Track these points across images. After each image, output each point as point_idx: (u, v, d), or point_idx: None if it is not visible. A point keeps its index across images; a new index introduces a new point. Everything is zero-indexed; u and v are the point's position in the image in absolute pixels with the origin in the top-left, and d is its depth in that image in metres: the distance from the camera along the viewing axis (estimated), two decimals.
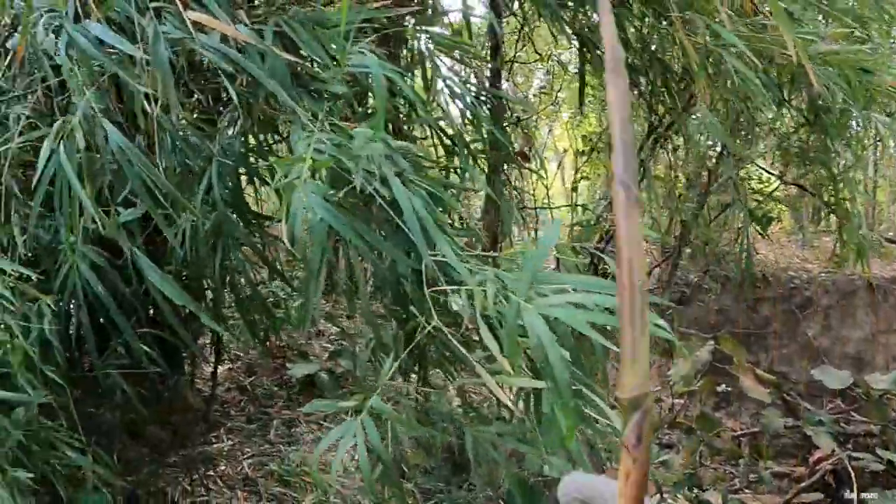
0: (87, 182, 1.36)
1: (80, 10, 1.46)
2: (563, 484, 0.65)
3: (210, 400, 3.33)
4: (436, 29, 2.09)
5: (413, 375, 1.54)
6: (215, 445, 3.01)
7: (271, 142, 1.92)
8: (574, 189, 6.69)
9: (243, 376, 3.92)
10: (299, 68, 1.56)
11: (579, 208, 5.19)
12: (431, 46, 1.95)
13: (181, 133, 1.55)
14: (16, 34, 1.78)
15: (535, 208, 5.11)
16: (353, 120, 1.59)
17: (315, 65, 1.63)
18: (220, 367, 3.40)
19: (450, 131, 1.95)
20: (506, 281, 1.14)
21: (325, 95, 1.57)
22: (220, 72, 1.46)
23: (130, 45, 1.43)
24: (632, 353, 0.44)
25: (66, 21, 1.44)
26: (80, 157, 1.34)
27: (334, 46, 1.60)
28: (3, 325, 1.36)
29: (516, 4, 3.73)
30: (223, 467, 2.88)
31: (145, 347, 1.68)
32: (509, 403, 1.07)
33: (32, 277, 1.44)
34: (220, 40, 1.50)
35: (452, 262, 1.16)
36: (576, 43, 2.84)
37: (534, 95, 6.94)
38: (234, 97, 1.47)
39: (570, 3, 2.62)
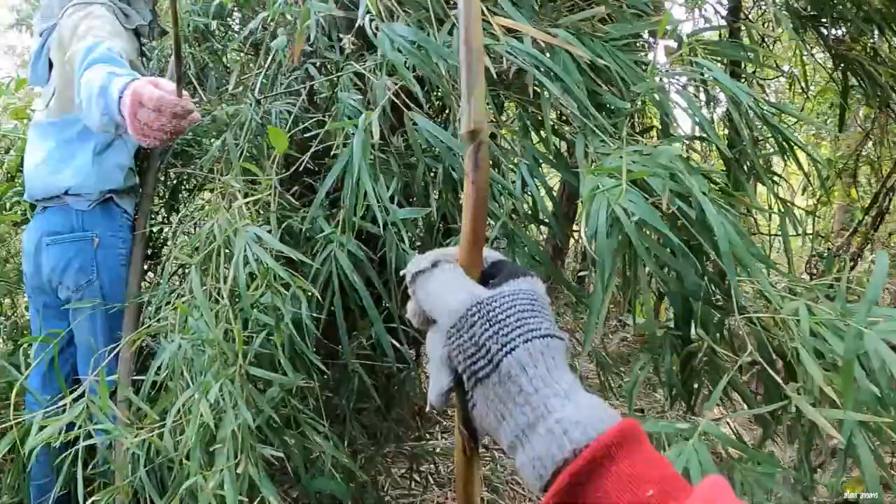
0: (375, 177, 1.38)
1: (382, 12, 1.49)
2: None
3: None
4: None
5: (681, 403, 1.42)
6: (430, 443, 3.05)
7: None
8: (812, 214, 6.09)
9: None
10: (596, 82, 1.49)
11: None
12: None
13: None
14: (280, 34, 1.88)
15: (770, 235, 4.72)
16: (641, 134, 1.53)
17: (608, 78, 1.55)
18: None
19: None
20: (815, 310, 1.09)
21: (613, 109, 1.50)
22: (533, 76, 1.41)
23: (437, 45, 1.43)
24: (468, 94, 0.55)
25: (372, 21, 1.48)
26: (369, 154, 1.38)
27: (627, 62, 1.54)
28: (270, 307, 1.42)
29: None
30: (434, 465, 2.91)
31: (393, 341, 1.70)
32: (842, 439, 0.98)
33: (296, 260, 1.48)
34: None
35: (765, 287, 1.11)
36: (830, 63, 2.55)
37: None
38: (548, 97, 1.42)
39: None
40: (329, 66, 1.91)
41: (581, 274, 4.40)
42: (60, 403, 1.59)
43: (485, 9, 1.54)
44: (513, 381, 0.51)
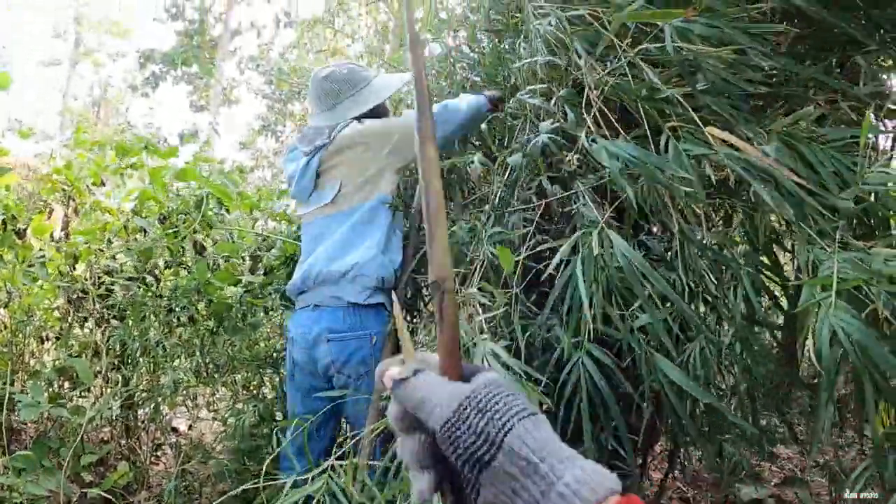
0: (597, 288, 1.49)
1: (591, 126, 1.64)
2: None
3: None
4: None
5: None
6: None
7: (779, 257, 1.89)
8: None
9: (687, 487, 3.80)
10: (809, 185, 1.51)
11: None
12: None
13: (705, 245, 1.61)
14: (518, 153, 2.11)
15: None
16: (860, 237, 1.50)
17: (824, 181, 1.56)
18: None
19: None
20: None
21: (833, 212, 1.50)
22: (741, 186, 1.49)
23: (658, 158, 1.55)
24: (429, 242, 0.64)
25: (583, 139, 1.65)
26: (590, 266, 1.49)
27: (844, 163, 1.54)
28: None
29: None
30: None
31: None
32: None
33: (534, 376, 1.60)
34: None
35: None
36: None
37: None
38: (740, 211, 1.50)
39: None
40: (559, 180, 2.07)
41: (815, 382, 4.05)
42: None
43: (696, 119, 1.63)
44: (518, 455, 0.55)
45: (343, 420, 2.45)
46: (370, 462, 1.98)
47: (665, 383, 1.61)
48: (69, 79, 22.73)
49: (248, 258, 3.02)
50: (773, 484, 3.66)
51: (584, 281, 1.47)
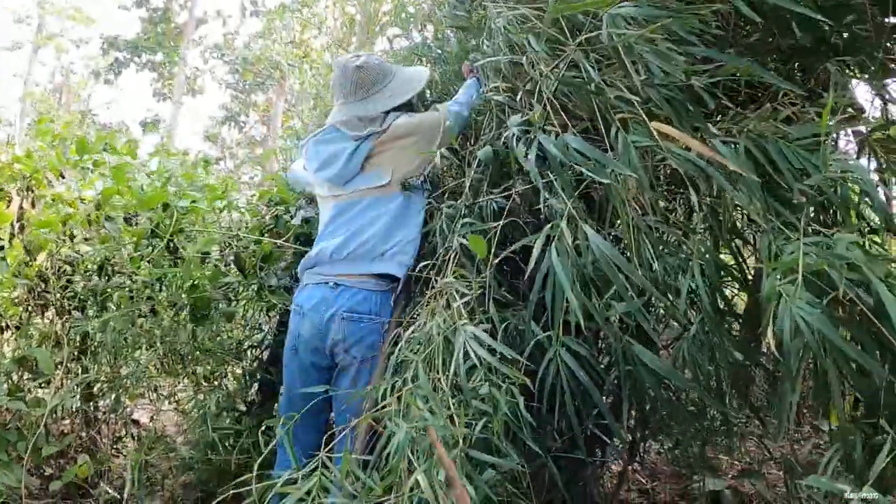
0: (574, 279, 1.53)
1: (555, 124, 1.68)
2: None
3: (612, 498, 3.34)
4: None
5: None
6: None
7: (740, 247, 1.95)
8: None
9: (646, 479, 3.86)
10: (768, 178, 1.56)
11: None
12: None
13: (658, 236, 1.66)
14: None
15: None
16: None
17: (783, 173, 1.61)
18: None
19: None
20: None
21: (794, 203, 1.56)
22: (686, 180, 1.54)
23: (601, 153, 1.59)
24: None
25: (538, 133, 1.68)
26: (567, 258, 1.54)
27: (804, 157, 1.60)
28: (487, 397, 1.59)
29: None
30: None
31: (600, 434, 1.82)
32: None
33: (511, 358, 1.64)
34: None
35: None
36: None
37: None
38: (696, 205, 1.54)
39: None
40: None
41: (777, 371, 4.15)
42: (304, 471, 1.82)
43: (641, 112, 1.66)
44: None
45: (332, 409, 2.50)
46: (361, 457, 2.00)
47: (643, 372, 1.66)
48: (31, 64, 22.20)
49: (225, 255, 3.01)
50: (730, 476, 3.74)
51: (563, 271, 1.50)
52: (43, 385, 2.92)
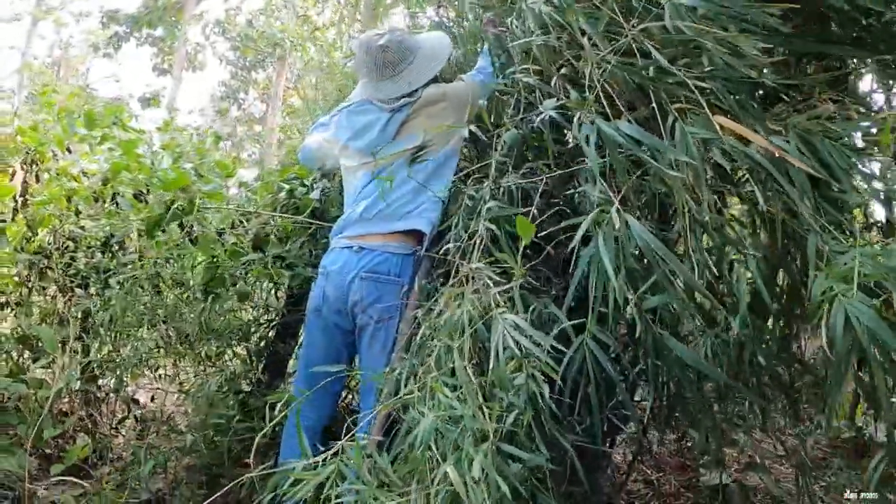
0: (619, 268, 1.47)
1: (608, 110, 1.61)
2: None
3: (620, 487, 3.31)
4: None
5: None
6: None
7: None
8: None
9: (651, 470, 3.84)
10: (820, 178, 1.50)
11: None
12: None
13: (714, 228, 1.61)
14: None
15: None
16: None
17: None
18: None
19: None
20: None
21: (843, 205, 1.50)
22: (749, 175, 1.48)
23: (659, 141, 1.52)
24: None
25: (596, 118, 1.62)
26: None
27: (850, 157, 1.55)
28: (521, 388, 1.53)
29: None
30: None
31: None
32: None
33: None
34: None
35: None
36: None
37: None
38: (761, 201, 1.48)
39: None
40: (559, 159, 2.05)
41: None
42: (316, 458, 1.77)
43: (703, 102, 1.61)
44: None
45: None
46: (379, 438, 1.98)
47: (674, 365, 1.62)
48: (29, 37, 21.95)
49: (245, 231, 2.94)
50: (733, 469, 3.71)
51: (609, 261, 1.44)
52: (47, 365, 2.84)
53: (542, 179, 1.89)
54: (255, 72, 21.64)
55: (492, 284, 1.62)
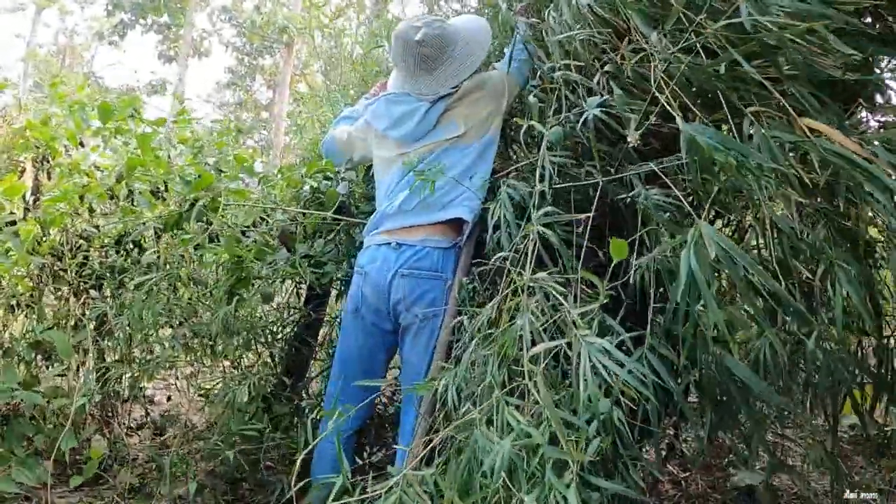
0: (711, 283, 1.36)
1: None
2: None
3: (651, 489, 3.23)
4: None
5: None
6: None
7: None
8: None
9: (678, 469, 3.75)
10: None
11: None
12: None
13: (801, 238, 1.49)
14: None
15: None
16: None
17: None
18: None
19: None
20: None
21: None
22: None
23: (742, 145, 1.40)
24: None
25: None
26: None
27: None
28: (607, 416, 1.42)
29: None
30: None
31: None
32: None
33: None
34: None
35: None
36: None
37: None
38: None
39: None
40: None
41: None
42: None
43: (786, 105, 1.50)
44: None
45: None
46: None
47: (727, 380, 1.55)
48: (34, 25, 21.82)
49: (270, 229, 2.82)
50: (757, 467, 3.64)
51: (702, 276, 1.31)
52: (63, 372, 2.73)
53: (596, 182, 1.76)
54: (262, 58, 21.52)
55: (563, 301, 1.49)
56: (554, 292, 1.52)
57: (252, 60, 21.66)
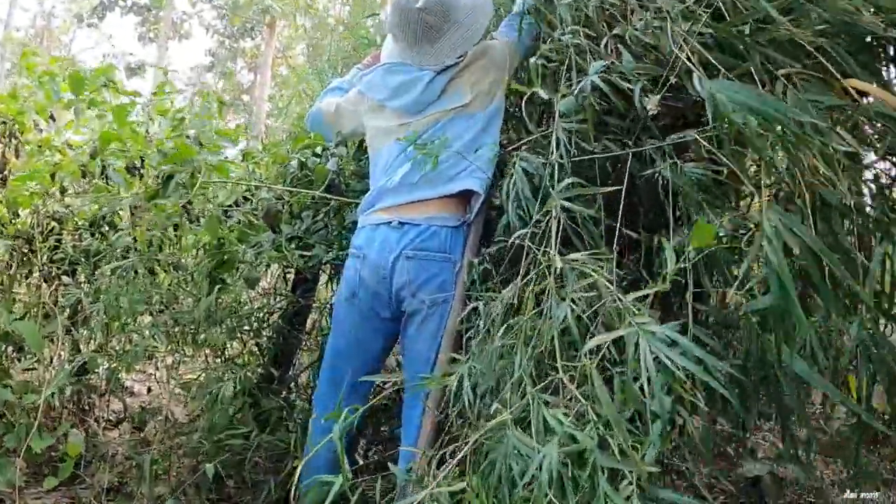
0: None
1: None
2: None
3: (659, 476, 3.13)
4: None
5: None
6: None
7: None
8: None
9: (681, 460, 3.64)
10: None
11: None
12: None
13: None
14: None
15: None
16: None
17: None
18: None
19: None
20: None
21: None
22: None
23: (781, 104, 1.25)
24: None
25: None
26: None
27: None
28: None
29: None
30: None
31: None
32: None
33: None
34: None
35: None
36: None
37: None
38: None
39: None
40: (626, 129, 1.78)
41: None
42: None
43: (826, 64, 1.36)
44: None
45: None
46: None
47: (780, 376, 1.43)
48: (11, 7, 21.32)
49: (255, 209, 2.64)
50: (760, 457, 3.56)
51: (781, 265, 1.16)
52: (33, 364, 2.54)
53: (617, 155, 1.61)
54: (243, 40, 21.17)
55: (609, 285, 1.33)
56: (595, 275, 1.35)
57: (233, 43, 21.32)
